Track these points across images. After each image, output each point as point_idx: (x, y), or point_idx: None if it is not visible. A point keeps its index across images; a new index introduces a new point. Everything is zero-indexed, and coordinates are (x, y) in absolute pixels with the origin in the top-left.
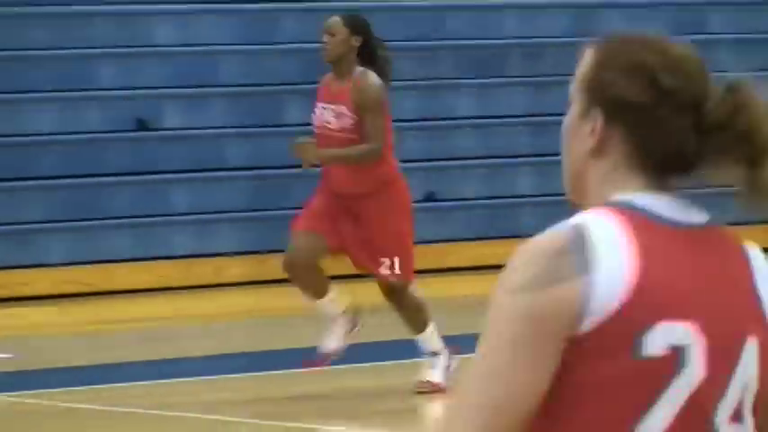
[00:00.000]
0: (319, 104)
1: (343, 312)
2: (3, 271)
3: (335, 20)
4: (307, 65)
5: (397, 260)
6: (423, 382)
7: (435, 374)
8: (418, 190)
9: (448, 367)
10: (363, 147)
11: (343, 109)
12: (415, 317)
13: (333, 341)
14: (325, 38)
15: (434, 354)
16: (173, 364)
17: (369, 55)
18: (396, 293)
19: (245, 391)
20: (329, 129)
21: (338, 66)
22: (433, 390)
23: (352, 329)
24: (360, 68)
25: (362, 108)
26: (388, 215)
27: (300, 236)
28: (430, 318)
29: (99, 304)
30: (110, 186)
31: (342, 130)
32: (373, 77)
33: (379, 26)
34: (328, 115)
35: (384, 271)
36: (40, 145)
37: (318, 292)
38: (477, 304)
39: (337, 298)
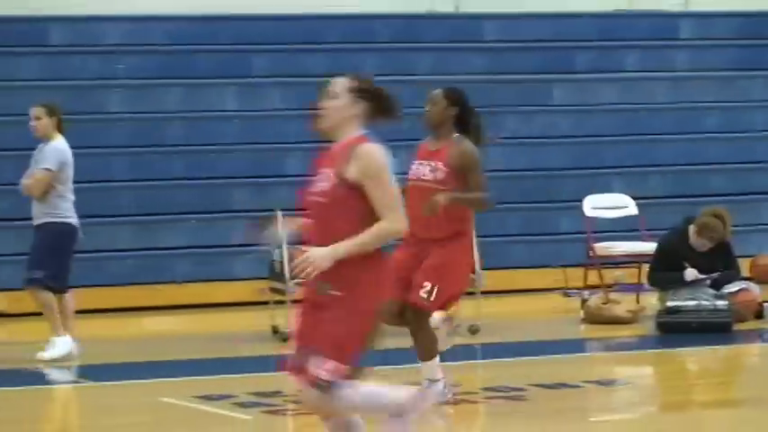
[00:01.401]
0: (416, 162)
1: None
2: None
3: (437, 92)
4: None
5: (436, 288)
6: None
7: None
8: None
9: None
10: (479, 196)
11: (440, 165)
12: (428, 345)
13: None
14: (427, 106)
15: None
16: None
17: (463, 122)
18: (419, 319)
19: None
20: (423, 180)
21: (438, 130)
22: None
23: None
24: (456, 134)
25: (463, 168)
26: (449, 253)
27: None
28: (437, 351)
29: None
30: None
31: (435, 181)
32: (468, 142)
33: None
34: (424, 170)
35: (422, 294)
36: None
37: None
38: None
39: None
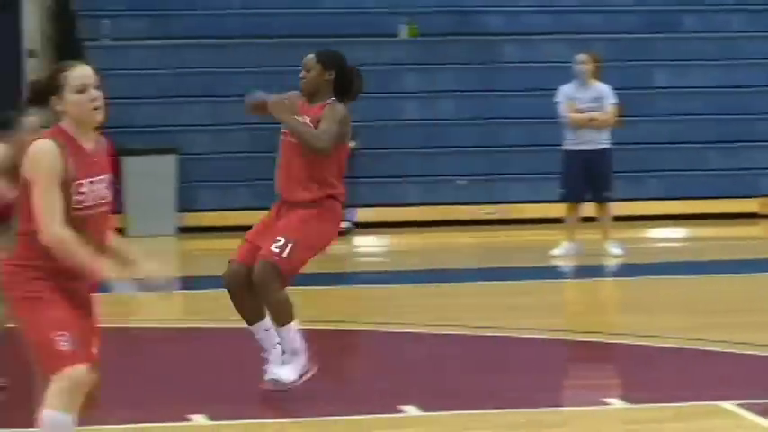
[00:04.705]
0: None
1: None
2: None
3: (310, 57)
4: None
5: (290, 245)
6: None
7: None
8: None
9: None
10: (315, 132)
11: (308, 121)
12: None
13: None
14: (302, 73)
15: (294, 352)
16: None
17: (342, 87)
18: (267, 280)
19: None
20: (289, 138)
21: (313, 96)
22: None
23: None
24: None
25: (322, 119)
26: (310, 217)
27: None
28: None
29: None
30: None
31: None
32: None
33: None
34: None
35: (273, 248)
36: None
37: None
38: None
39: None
